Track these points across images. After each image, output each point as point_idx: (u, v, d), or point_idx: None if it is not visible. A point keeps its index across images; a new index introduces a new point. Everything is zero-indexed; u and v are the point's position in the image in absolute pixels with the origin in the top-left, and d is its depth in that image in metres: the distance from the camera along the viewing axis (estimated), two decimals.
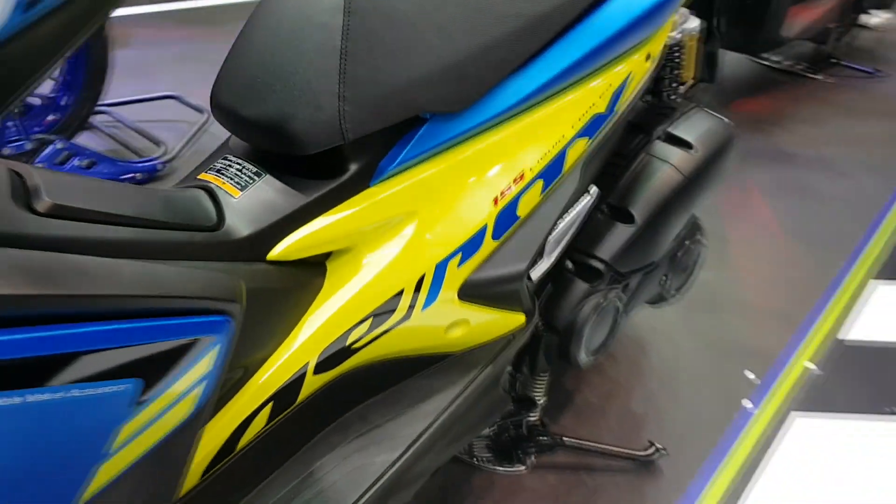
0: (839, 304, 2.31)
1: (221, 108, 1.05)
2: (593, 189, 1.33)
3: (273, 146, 1.02)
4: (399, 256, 1.10)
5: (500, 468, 1.66)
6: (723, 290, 2.34)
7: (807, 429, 1.85)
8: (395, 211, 1.09)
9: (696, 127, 1.48)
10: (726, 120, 1.55)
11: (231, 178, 1.03)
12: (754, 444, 1.80)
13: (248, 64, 1.03)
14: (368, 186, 1.06)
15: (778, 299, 2.32)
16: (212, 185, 1.03)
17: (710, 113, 1.54)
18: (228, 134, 1.12)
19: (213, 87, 1.07)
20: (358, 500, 1.11)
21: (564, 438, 1.64)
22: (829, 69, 4.09)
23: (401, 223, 1.11)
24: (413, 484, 1.24)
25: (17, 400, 0.62)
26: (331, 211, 1.03)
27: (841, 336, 2.17)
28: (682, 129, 1.47)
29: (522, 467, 1.66)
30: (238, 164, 1.06)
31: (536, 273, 1.28)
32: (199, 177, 1.07)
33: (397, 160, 1.07)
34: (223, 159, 1.08)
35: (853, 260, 2.53)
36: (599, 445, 1.69)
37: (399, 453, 1.16)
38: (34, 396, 0.64)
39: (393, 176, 1.08)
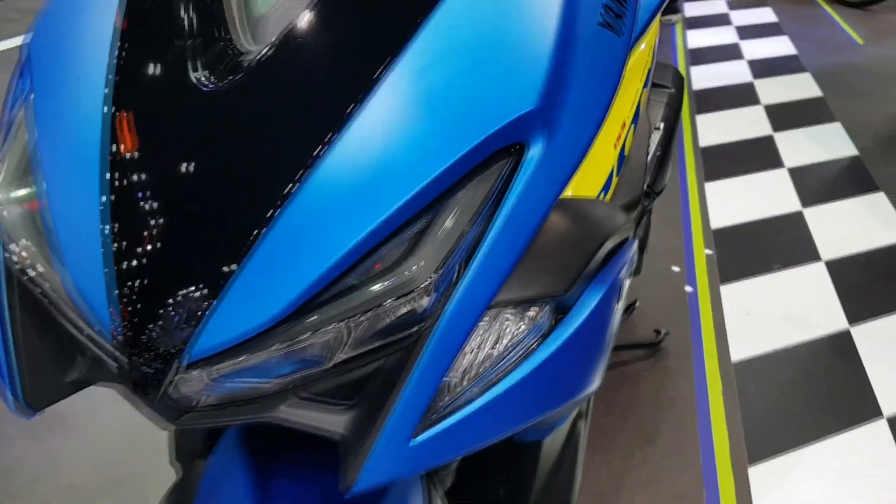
0: (695, 204, 2.93)
1: None
2: (661, 125, 1.70)
3: None
4: None
5: None
6: None
7: (733, 292, 2.41)
8: None
9: (660, 73, 1.91)
10: (670, 64, 2.00)
11: None
12: (712, 314, 2.31)
13: None
14: None
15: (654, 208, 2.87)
16: None
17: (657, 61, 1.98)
18: None
19: None
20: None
21: None
22: None
23: None
24: None
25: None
26: None
27: (712, 226, 2.78)
28: (655, 77, 1.89)
29: None
30: None
31: None
32: None
33: None
34: None
35: (683, 170, 3.18)
36: (627, 343, 2.09)
37: None
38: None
39: None
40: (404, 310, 0.59)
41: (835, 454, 1.83)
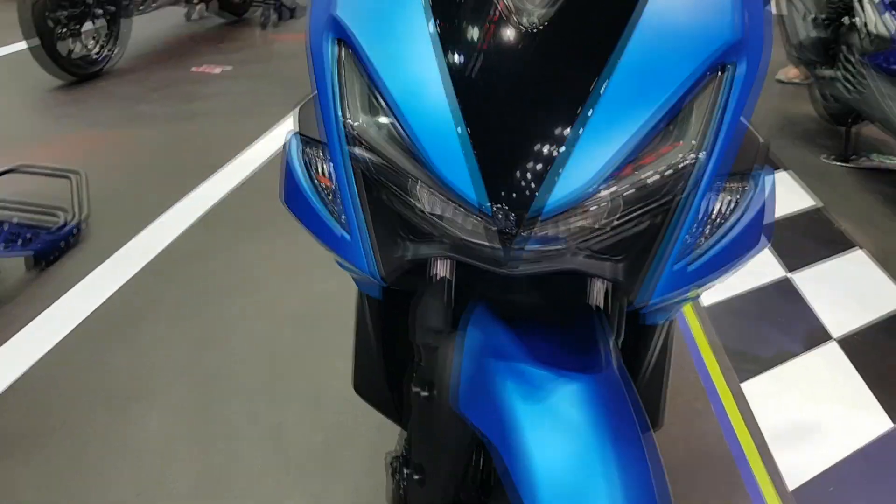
0: None
1: None
2: None
3: None
4: None
5: None
6: None
7: None
8: None
9: None
10: None
11: None
12: None
13: None
14: None
15: None
16: None
17: None
18: None
19: None
20: None
21: None
22: None
23: None
24: None
25: None
26: None
27: None
28: None
29: None
30: None
31: None
32: None
33: None
34: None
35: None
36: None
37: None
38: None
39: None
40: (675, 178, 0.85)
41: (806, 367, 2.22)
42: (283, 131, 3.74)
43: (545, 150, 0.81)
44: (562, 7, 0.88)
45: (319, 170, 0.97)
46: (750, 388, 2.13)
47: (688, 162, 0.85)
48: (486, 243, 0.86)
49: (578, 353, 0.99)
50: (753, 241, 0.97)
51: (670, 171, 0.85)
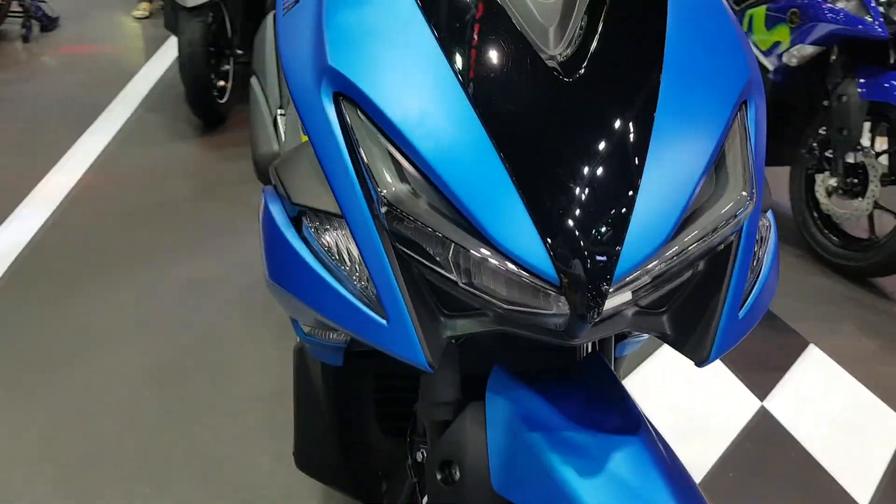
0: None
1: None
2: None
3: None
4: None
5: None
6: None
7: None
8: None
9: None
10: None
11: None
12: None
13: None
14: None
15: None
16: None
17: None
18: None
19: None
20: None
21: None
22: None
23: None
24: None
25: None
26: None
27: None
28: None
29: None
30: None
31: None
32: None
33: None
34: None
35: None
36: None
37: None
38: None
39: None
40: (731, 224, 0.81)
41: (669, 360, 2.35)
42: (76, 155, 3.34)
43: (606, 209, 0.75)
44: (590, 52, 0.83)
45: (325, 243, 0.84)
46: (630, 385, 2.21)
47: (739, 205, 0.82)
48: (553, 312, 0.78)
49: (601, 405, 0.94)
50: (777, 277, 0.97)
51: (727, 218, 0.81)
